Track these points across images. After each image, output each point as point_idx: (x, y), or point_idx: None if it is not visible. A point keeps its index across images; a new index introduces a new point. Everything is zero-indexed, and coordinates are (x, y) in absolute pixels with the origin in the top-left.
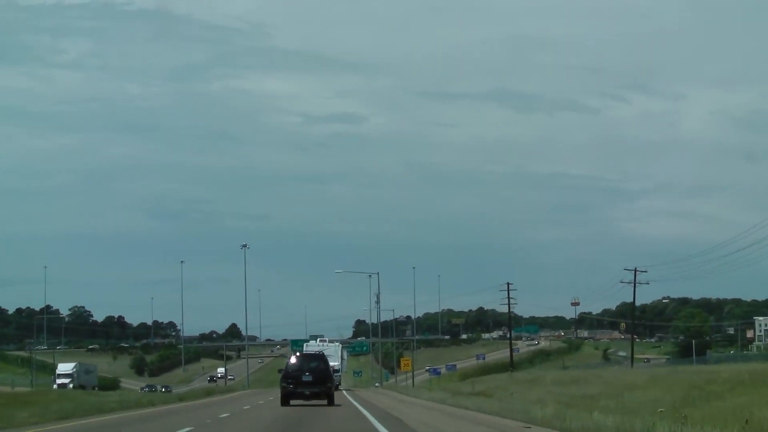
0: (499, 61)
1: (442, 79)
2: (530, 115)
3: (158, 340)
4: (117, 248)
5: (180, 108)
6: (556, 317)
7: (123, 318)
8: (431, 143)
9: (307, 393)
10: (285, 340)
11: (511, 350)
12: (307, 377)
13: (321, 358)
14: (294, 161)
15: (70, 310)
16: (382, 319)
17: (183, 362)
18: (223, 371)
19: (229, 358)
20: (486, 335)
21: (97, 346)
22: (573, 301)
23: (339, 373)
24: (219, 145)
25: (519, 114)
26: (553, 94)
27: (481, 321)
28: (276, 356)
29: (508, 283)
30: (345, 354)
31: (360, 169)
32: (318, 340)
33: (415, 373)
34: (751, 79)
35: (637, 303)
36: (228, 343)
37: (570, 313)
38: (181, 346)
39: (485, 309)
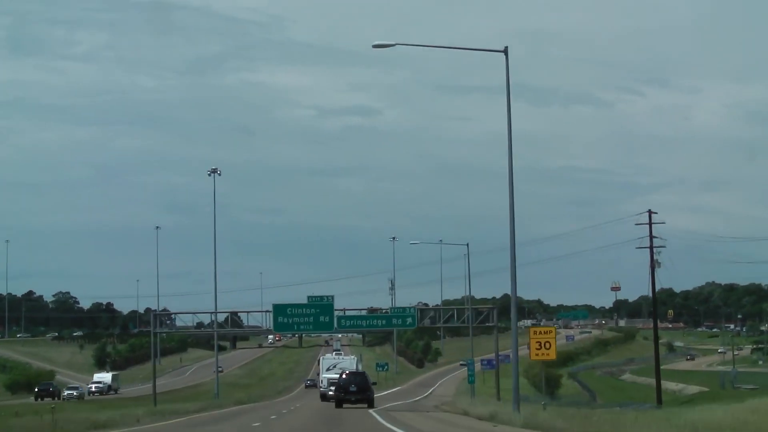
0: (514, 54)
1: (456, 73)
2: (545, 108)
3: (142, 329)
4: (128, 241)
5: (194, 101)
6: (585, 305)
7: (112, 305)
8: (445, 137)
9: (353, 399)
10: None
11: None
12: (353, 388)
13: (362, 374)
14: (308, 155)
15: (54, 296)
16: (401, 302)
17: (156, 353)
18: (108, 378)
19: (222, 348)
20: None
21: (56, 333)
22: (613, 286)
23: None
24: (233, 139)
25: (534, 108)
26: (568, 87)
27: (507, 309)
28: (278, 346)
29: (650, 212)
30: (360, 366)
31: (374, 162)
32: (334, 353)
33: (449, 368)
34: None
35: (677, 289)
36: (213, 330)
37: (600, 302)
38: (155, 332)
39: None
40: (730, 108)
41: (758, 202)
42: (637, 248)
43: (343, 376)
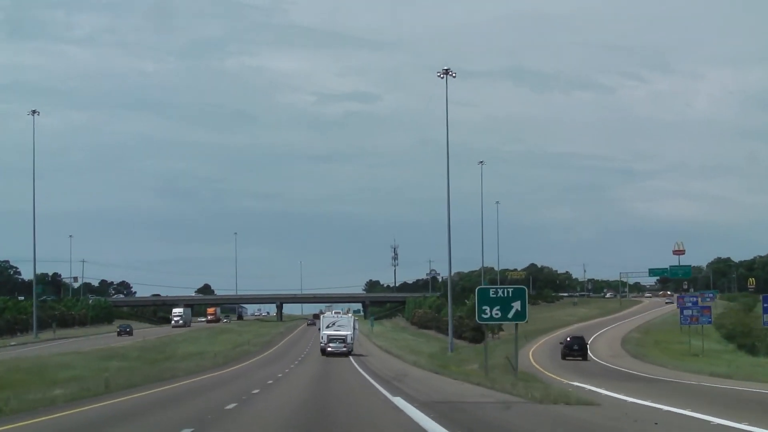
0: (515, 38)
1: (457, 57)
2: (547, 94)
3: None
4: (125, 226)
5: (194, 85)
6: (617, 280)
7: (59, 275)
8: (445, 122)
9: (575, 355)
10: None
11: None
12: (576, 347)
13: (581, 338)
14: (307, 140)
15: None
16: (400, 281)
17: (35, 322)
18: None
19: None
20: (564, 294)
21: None
22: (676, 249)
23: (351, 342)
24: (232, 124)
25: (535, 93)
26: (569, 73)
27: (536, 279)
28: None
29: None
30: (356, 324)
31: (374, 147)
32: (333, 311)
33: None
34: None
35: (735, 259)
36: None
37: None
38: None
39: (539, 266)
40: (733, 94)
41: (758, 189)
42: None
43: (568, 339)
